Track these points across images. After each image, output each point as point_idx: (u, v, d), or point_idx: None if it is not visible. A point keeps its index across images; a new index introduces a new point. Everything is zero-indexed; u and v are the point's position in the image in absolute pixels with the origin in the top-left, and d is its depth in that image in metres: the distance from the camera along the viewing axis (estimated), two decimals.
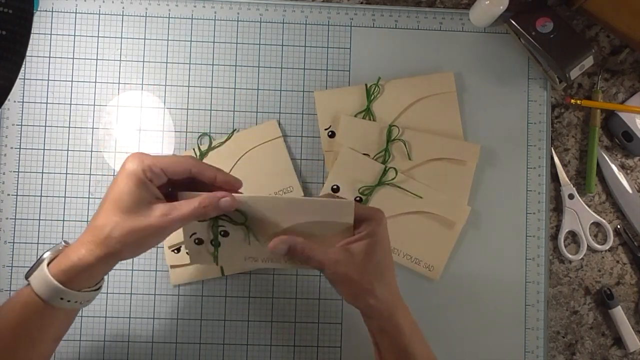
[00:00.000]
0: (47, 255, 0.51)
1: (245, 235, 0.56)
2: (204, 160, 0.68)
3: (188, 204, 0.51)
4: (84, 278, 0.50)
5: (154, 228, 0.50)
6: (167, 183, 0.53)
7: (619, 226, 0.72)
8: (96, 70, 0.69)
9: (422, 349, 0.54)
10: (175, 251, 0.66)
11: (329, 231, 0.54)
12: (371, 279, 0.52)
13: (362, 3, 0.72)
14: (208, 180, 0.53)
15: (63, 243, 0.52)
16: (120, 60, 0.69)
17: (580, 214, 0.71)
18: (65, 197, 0.68)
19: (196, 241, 0.57)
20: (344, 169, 0.68)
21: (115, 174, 0.68)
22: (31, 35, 0.55)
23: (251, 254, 0.56)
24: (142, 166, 0.50)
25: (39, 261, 0.51)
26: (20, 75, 0.68)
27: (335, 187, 0.68)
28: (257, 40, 0.70)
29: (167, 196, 0.54)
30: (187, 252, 0.58)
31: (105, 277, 0.54)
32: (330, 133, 0.70)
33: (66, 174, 0.68)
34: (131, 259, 0.61)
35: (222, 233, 0.56)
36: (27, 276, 0.51)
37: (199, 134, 0.69)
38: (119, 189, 0.50)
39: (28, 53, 0.67)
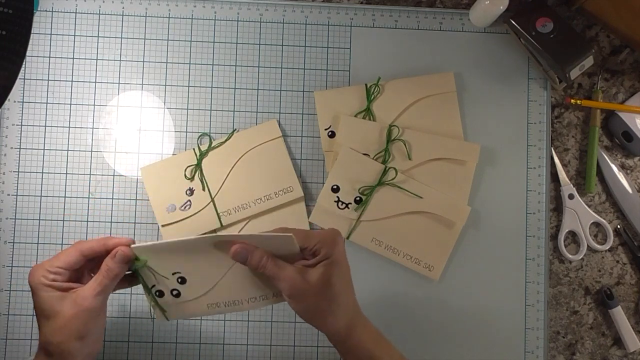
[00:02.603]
0: None
1: (204, 279, 0.55)
2: (204, 160, 0.68)
3: (96, 278, 0.53)
4: None
5: (80, 315, 0.51)
6: (81, 270, 0.55)
7: (619, 226, 0.72)
8: (96, 70, 0.69)
9: (390, 358, 0.54)
10: None
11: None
12: (327, 299, 0.52)
13: (362, 3, 0.72)
14: (102, 252, 0.55)
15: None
16: (120, 60, 0.69)
17: (580, 214, 0.71)
18: (65, 197, 0.68)
19: (157, 293, 0.56)
20: (344, 169, 0.68)
21: (115, 173, 0.68)
22: (31, 35, 0.55)
23: (213, 300, 0.56)
24: (41, 273, 0.52)
25: None
26: (20, 75, 0.68)
27: (335, 187, 0.68)
28: (257, 40, 0.70)
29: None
30: (151, 307, 0.57)
31: None
32: (330, 133, 0.70)
33: (66, 174, 0.68)
34: None
35: (179, 280, 0.55)
36: None
37: (199, 134, 0.69)
38: (36, 302, 0.53)
39: (28, 53, 0.67)
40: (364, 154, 0.69)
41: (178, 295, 0.56)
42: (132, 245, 0.53)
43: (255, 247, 0.53)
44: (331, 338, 0.54)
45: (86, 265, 0.55)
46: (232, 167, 0.68)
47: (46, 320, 0.52)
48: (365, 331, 0.54)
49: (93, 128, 0.69)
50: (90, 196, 0.68)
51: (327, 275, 0.52)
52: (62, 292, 0.52)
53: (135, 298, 0.67)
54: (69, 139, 0.68)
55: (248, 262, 0.53)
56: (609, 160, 0.71)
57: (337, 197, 0.68)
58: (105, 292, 0.53)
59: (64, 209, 0.68)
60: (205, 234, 0.56)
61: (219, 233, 0.53)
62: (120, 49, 0.69)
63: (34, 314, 0.53)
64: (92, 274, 0.57)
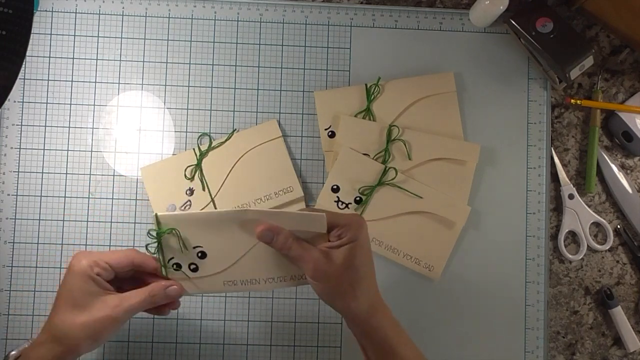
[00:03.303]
0: (13, 353, 0.53)
1: (225, 256, 0.55)
2: (204, 160, 0.68)
3: (138, 294, 0.53)
4: None
5: (107, 320, 0.52)
6: (114, 279, 0.55)
7: (619, 226, 0.72)
8: (96, 70, 0.69)
9: (408, 349, 0.54)
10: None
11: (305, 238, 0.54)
12: (351, 282, 0.53)
13: (362, 3, 0.72)
14: (151, 270, 0.56)
15: (30, 341, 0.55)
16: (120, 60, 0.69)
17: (580, 214, 0.71)
18: (65, 197, 0.68)
19: (174, 266, 0.56)
20: (344, 169, 0.68)
21: (115, 173, 0.68)
22: (31, 35, 0.55)
23: (229, 277, 0.56)
24: (89, 262, 0.53)
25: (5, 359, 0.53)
26: (20, 75, 0.68)
27: (335, 187, 0.68)
28: (257, 40, 0.70)
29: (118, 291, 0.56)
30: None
31: None
32: (330, 133, 0.70)
33: (66, 174, 0.68)
34: None
35: (199, 255, 0.55)
36: None
37: (199, 134, 0.69)
38: (69, 287, 0.52)
39: (28, 53, 0.67)
40: (364, 154, 0.69)
41: (196, 269, 0.56)
42: (160, 213, 0.54)
43: (281, 228, 0.53)
44: (351, 321, 0.54)
45: (126, 274, 0.56)
46: (232, 167, 0.68)
47: (70, 308, 0.52)
48: (385, 317, 0.55)
49: (93, 128, 0.69)
50: (90, 196, 0.68)
51: (351, 258, 0.52)
52: (100, 288, 0.52)
53: None
54: (69, 139, 0.68)
55: (273, 243, 0.53)
56: (609, 160, 0.71)
57: (337, 197, 0.68)
58: (139, 311, 0.54)
59: (64, 209, 0.68)
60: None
61: (248, 209, 0.54)
62: (120, 49, 0.69)
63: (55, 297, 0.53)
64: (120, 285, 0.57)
